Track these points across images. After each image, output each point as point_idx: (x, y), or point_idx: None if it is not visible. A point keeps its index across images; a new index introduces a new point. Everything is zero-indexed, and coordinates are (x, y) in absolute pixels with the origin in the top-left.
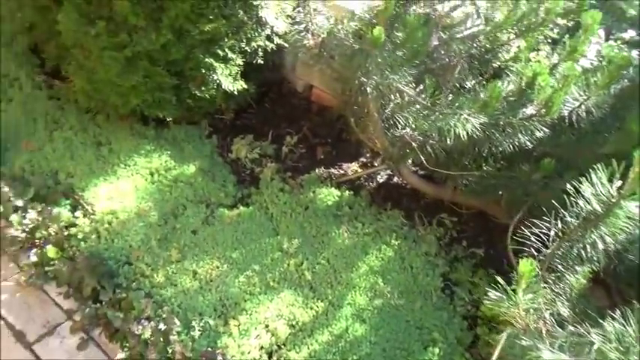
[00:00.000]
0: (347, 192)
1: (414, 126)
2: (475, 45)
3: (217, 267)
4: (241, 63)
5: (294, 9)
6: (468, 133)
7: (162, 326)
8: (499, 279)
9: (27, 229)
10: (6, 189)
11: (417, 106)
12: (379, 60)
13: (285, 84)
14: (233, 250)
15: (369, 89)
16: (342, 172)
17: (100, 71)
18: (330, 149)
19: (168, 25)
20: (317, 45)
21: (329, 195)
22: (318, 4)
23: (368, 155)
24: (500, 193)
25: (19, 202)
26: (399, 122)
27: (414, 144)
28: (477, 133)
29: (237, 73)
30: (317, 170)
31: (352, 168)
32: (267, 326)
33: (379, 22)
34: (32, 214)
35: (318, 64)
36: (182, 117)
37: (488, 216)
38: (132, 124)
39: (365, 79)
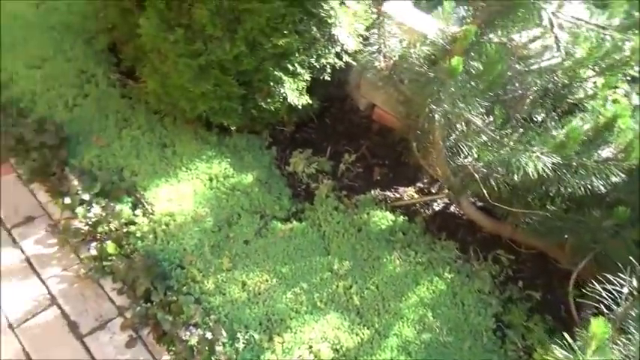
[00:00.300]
0: (401, 217)
1: (477, 156)
2: (552, 79)
3: (266, 280)
4: (309, 78)
5: (366, 28)
6: (538, 171)
7: (209, 335)
8: (556, 327)
9: (90, 223)
10: (75, 182)
11: (484, 138)
12: (452, 89)
13: (348, 101)
14: (283, 264)
15: (437, 116)
16: (397, 195)
17: (174, 76)
18: (387, 171)
19: (243, 36)
20: (388, 67)
21: (383, 218)
22: (393, 26)
23: (425, 181)
24: (565, 236)
25: (86, 196)
26: (463, 151)
27: (477, 175)
28: (548, 172)
29: (303, 88)
30: (372, 191)
31: (408, 193)
32: (310, 347)
33: (456, 50)
34: (96, 209)
35: (387, 86)
36: (244, 126)
37: (549, 258)
38: (196, 129)
39: (434, 107)
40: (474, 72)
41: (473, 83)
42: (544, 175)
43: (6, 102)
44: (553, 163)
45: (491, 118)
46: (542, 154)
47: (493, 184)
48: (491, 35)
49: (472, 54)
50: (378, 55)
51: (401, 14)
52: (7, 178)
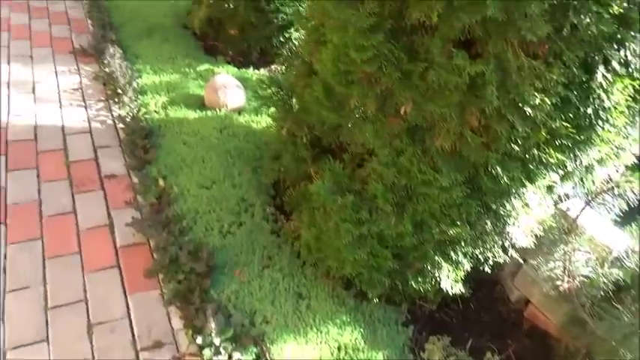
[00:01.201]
0: None
1: None
2: None
3: None
4: (469, 269)
5: (543, 229)
6: None
7: None
8: None
9: None
10: (212, 324)
11: None
12: None
13: (498, 287)
14: None
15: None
16: None
17: (331, 236)
18: None
19: (411, 216)
20: (571, 289)
21: None
22: (584, 243)
23: None
24: None
25: (217, 340)
26: None
27: None
28: None
29: (461, 278)
30: None
31: None
32: None
33: None
34: (223, 356)
35: (564, 303)
36: (384, 293)
37: None
38: (335, 286)
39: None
40: None
41: None
42: None
43: (172, 217)
44: None
45: None
46: None
47: None
48: None
49: None
50: (561, 272)
51: (594, 229)
52: (152, 293)
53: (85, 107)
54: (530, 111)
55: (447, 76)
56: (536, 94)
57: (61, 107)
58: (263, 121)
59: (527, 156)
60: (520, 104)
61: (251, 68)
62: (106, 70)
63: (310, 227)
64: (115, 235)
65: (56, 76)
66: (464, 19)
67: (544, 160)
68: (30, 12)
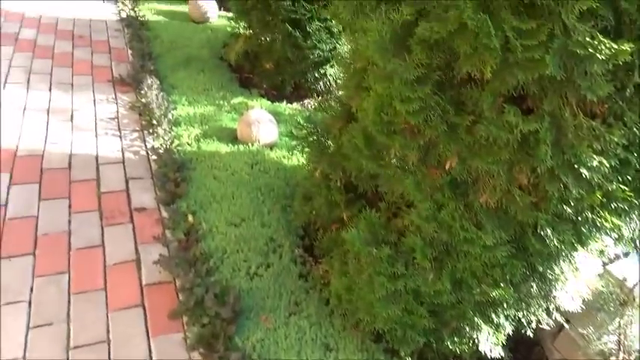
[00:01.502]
0: None
1: None
2: None
3: None
4: (510, 333)
5: (592, 294)
6: None
7: None
8: None
9: None
10: None
11: None
12: None
13: (538, 348)
14: None
15: None
16: None
17: (364, 288)
18: None
19: (451, 273)
20: None
21: None
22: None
23: None
24: None
25: None
26: None
27: None
28: None
29: (502, 341)
30: None
31: None
32: None
33: None
34: None
35: None
36: (416, 349)
37: None
38: (364, 338)
39: None
40: None
41: None
42: None
43: (200, 256)
44: None
45: None
46: None
47: None
48: None
49: None
50: (614, 346)
51: None
52: (175, 337)
53: (120, 137)
54: (586, 172)
55: (497, 132)
56: (594, 155)
57: (96, 136)
58: (294, 157)
59: (579, 218)
60: (575, 165)
61: (284, 102)
62: (143, 100)
63: (341, 276)
64: (142, 271)
65: (94, 104)
66: (519, 76)
67: (598, 224)
68: (73, 40)
